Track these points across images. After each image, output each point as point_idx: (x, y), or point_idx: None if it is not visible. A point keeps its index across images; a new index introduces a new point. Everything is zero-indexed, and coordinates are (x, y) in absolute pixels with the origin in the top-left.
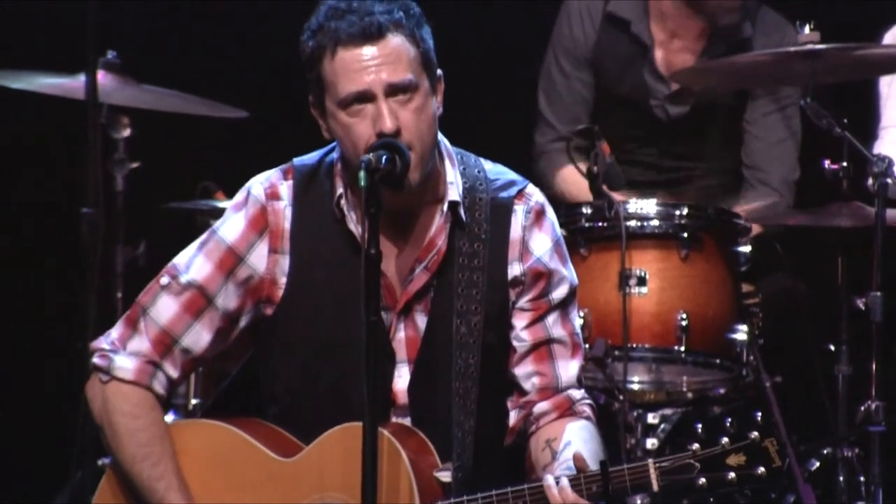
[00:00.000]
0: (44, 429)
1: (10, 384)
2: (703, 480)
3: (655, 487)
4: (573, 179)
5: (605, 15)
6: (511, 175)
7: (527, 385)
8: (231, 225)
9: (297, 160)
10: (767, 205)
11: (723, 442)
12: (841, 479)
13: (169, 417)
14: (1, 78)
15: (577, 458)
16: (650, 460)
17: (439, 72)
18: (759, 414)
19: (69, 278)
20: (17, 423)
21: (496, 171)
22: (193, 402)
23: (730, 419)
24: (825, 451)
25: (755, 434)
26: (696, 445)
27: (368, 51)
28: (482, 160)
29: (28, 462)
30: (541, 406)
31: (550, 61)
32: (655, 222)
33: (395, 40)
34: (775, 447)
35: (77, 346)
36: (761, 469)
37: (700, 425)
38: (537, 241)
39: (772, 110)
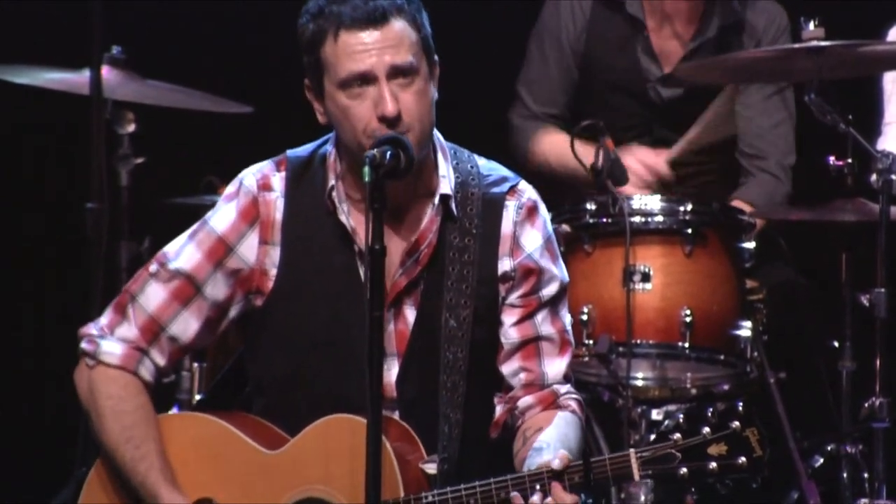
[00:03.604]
0: (47, 425)
1: (13, 380)
2: (684, 470)
3: (637, 477)
4: (557, 150)
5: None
6: (504, 171)
7: (513, 381)
8: (222, 215)
9: (290, 152)
10: (766, 191)
11: (704, 432)
12: (844, 475)
13: (173, 412)
14: (5, 73)
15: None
16: (631, 450)
17: (436, 57)
18: (741, 404)
19: (73, 273)
20: (19, 419)
21: (489, 167)
22: (198, 397)
23: (711, 409)
24: (829, 448)
25: (736, 424)
26: (677, 435)
27: (372, 34)
28: (475, 156)
29: (31, 459)
30: (525, 400)
31: (532, 44)
32: (660, 218)
33: (398, 24)
34: (756, 437)
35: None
36: (742, 458)
37: (682, 416)
38: (528, 237)
39: (767, 94)
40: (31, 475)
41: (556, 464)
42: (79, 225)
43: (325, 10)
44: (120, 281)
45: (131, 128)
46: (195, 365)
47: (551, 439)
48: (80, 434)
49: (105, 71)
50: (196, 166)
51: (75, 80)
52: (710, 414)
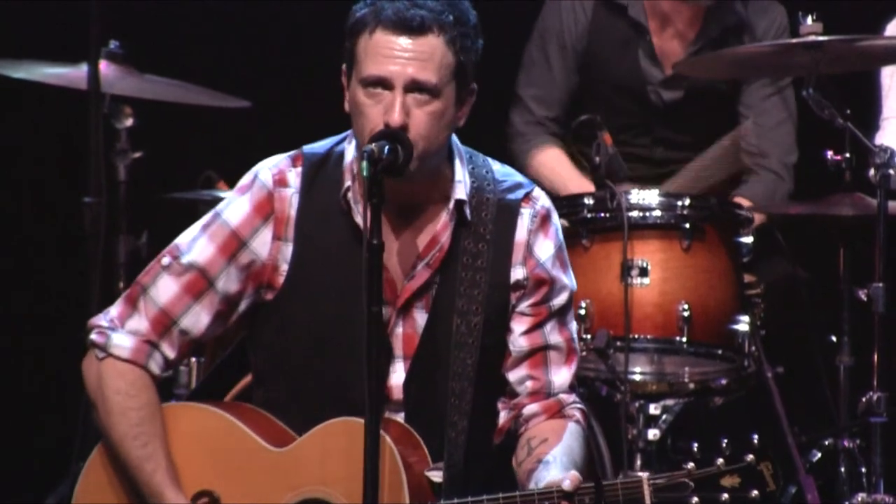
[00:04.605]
0: (44, 422)
1: (11, 374)
2: (696, 500)
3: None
4: (551, 165)
5: (599, 1)
6: (519, 177)
7: (519, 388)
8: (235, 208)
9: (306, 148)
10: (768, 189)
11: (718, 462)
12: (842, 469)
13: (176, 403)
14: (3, 67)
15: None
16: (644, 476)
17: (474, 85)
18: (756, 436)
19: (71, 268)
20: (17, 416)
21: (504, 173)
22: None
23: (726, 440)
24: (827, 442)
25: (751, 456)
26: (691, 464)
27: (404, 42)
28: (490, 161)
29: (28, 454)
30: (530, 408)
31: (534, 45)
32: (658, 213)
33: (433, 41)
34: (770, 471)
35: (80, 336)
36: (755, 492)
37: (696, 444)
38: (541, 246)
39: (768, 93)
40: (29, 472)
41: (567, 485)
42: (76, 219)
43: (375, 3)
44: (118, 276)
45: (129, 122)
46: (193, 360)
47: (558, 453)
48: (78, 430)
49: (103, 66)
50: (194, 161)
51: (73, 74)
52: (725, 445)
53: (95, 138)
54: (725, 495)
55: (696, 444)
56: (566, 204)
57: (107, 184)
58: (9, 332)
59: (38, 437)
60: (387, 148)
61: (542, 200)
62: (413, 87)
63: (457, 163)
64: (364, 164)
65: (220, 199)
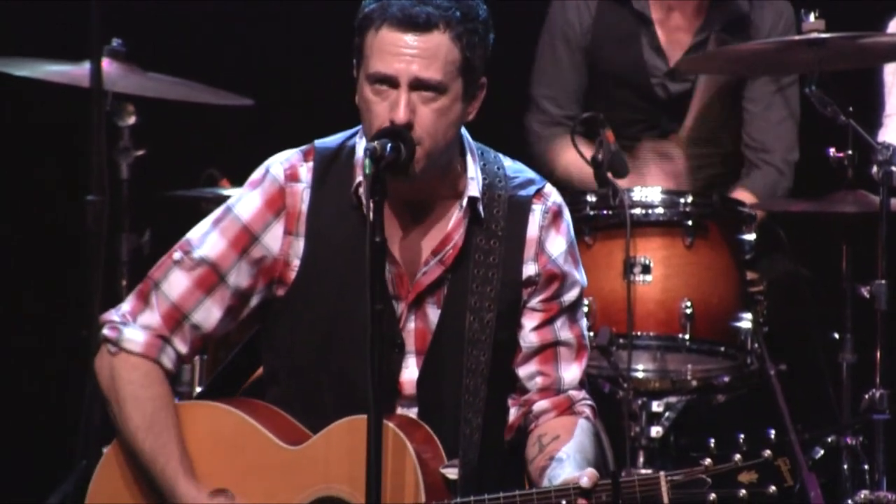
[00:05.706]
0: (48, 419)
1: (13, 372)
2: (713, 496)
3: (666, 500)
4: (578, 165)
5: None
6: (530, 174)
7: (529, 384)
8: (247, 203)
9: (318, 142)
10: (770, 183)
11: (735, 458)
12: (845, 467)
13: (191, 401)
14: (6, 65)
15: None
16: (662, 473)
17: (483, 80)
18: (773, 432)
19: (73, 266)
20: (20, 411)
21: (515, 169)
22: (198, 390)
23: (742, 436)
24: (829, 440)
25: (768, 452)
26: (708, 461)
27: (409, 39)
28: (501, 157)
29: (30, 451)
30: (540, 404)
31: (544, 46)
32: (660, 210)
33: (439, 38)
34: (788, 466)
35: (81, 334)
36: (773, 488)
37: (713, 441)
38: (553, 242)
39: (772, 90)
40: (32, 469)
41: (585, 482)
42: (79, 217)
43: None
44: (120, 274)
45: (132, 120)
46: (196, 357)
47: (571, 450)
48: (80, 428)
49: (105, 63)
50: (196, 159)
51: (75, 72)
52: (741, 441)
53: (98, 136)
54: (743, 491)
55: (712, 441)
56: (568, 201)
57: (109, 182)
58: (10, 331)
59: (40, 436)
60: (389, 146)
61: (554, 196)
62: (418, 84)
63: (469, 159)
64: (366, 161)
65: (222, 197)
